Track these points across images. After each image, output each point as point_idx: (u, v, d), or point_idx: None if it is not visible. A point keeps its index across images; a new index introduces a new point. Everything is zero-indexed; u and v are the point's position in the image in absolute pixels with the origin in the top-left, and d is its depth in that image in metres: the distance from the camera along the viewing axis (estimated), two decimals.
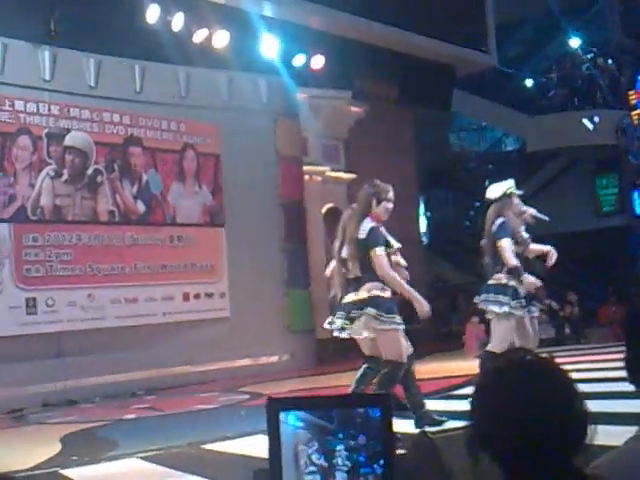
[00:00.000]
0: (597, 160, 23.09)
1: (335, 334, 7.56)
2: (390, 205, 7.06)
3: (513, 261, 7.33)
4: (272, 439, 1.84)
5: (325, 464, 1.80)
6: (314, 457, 1.81)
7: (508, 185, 7.72)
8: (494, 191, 7.74)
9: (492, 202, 7.76)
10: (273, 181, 15.20)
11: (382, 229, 6.98)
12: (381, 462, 1.78)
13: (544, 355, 1.66)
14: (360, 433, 1.79)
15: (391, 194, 7.07)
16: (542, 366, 1.61)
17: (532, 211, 7.86)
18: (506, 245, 7.37)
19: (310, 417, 1.82)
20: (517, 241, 7.50)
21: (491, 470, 1.59)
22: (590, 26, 24.01)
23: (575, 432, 1.54)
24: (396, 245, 7.19)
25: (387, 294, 6.86)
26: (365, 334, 6.96)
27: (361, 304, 6.84)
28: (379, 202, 7.00)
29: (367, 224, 6.87)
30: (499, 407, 1.56)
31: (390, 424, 1.80)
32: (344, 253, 7.27)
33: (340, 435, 1.80)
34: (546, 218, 7.94)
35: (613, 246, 21.10)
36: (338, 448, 1.80)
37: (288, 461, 1.83)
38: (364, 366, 7.33)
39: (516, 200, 7.63)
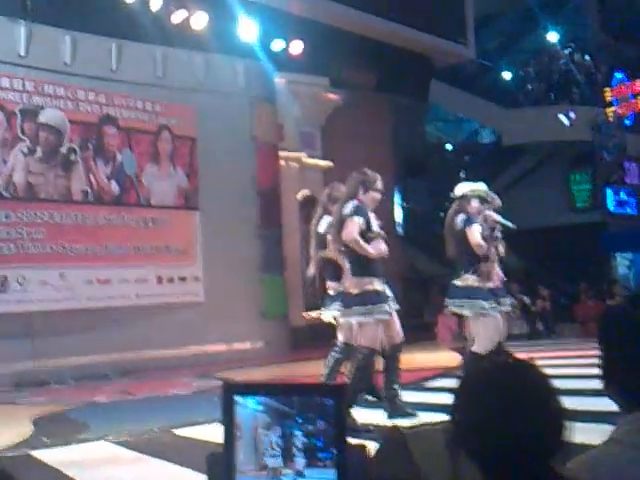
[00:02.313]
0: (571, 156, 23.24)
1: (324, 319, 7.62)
2: (378, 195, 7.01)
3: (480, 241, 7.29)
4: (226, 422, 1.86)
5: (284, 447, 1.81)
6: (273, 440, 1.82)
7: (471, 188, 7.70)
8: (459, 189, 7.73)
9: (454, 200, 7.75)
10: (249, 166, 15.12)
11: (369, 212, 6.93)
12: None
13: (525, 358, 1.68)
14: (319, 418, 1.79)
15: (380, 184, 7.03)
16: (523, 369, 1.64)
17: (496, 217, 7.84)
18: (475, 228, 7.34)
19: (270, 401, 1.84)
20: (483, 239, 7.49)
21: (470, 470, 1.61)
22: (568, 21, 24.12)
23: (553, 434, 1.58)
24: (381, 232, 7.11)
25: (376, 287, 6.85)
26: (353, 322, 6.97)
27: (355, 299, 6.83)
28: (366, 190, 6.96)
29: (353, 203, 6.83)
30: (480, 408, 1.59)
31: (342, 413, 1.81)
32: (320, 228, 7.41)
33: (299, 420, 1.81)
34: (512, 226, 7.92)
35: (586, 242, 21.24)
36: (297, 432, 1.80)
37: (247, 444, 1.84)
38: (334, 352, 7.35)
39: (475, 203, 7.59)
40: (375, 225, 6.98)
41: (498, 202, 8.18)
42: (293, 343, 15.00)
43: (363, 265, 6.83)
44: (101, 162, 13.27)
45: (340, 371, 7.42)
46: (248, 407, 1.84)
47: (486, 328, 7.42)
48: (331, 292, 7.56)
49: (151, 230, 13.74)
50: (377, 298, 6.83)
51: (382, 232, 7.12)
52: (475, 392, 1.63)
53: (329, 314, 7.53)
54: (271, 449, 1.82)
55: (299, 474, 1.80)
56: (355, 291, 6.85)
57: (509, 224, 7.90)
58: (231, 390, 1.88)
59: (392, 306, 6.98)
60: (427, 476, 2.48)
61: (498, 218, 7.83)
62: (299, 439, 1.80)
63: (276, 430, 1.82)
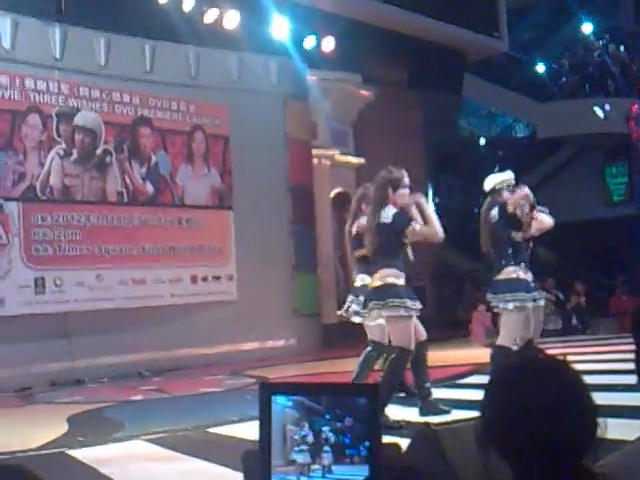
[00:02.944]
0: (607, 148, 22.97)
1: (350, 318, 7.69)
2: (406, 191, 7.08)
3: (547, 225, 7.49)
4: (263, 422, 1.87)
5: (312, 443, 1.83)
6: (302, 436, 1.84)
7: (499, 179, 7.67)
8: (488, 183, 7.72)
9: (488, 194, 7.74)
10: (282, 164, 15.18)
11: (405, 212, 7.00)
12: (366, 444, 1.80)
13: (556, 354, 1.67)
14: (346, 415, 1.81)
15: (406, 180, 7.09)
16: (554, 365, 1.62)
17: (522, 193, 7.79)
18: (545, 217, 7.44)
19: (299, 398, 1.86)
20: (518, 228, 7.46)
21: (501, 467, 1.60)
22: (602, 12, 23.84)
23: (585, 433, 1.55)
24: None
25: (401, 281, 6.89)
26: (379, 321, 7.06)
27: (375, 291, 6.93)
28: (395, 189, 7.02)
29: (390, 210, 6.90)
30: (510, 405, 1.57)
31: (376, 412, 1.84)
32: (354, 229, 7.68)
33: (327, 416, 1.83)
34: (545, 211, 7.88)
35: (623, 236, 21.01)
36: (325, 429, 1.82)
37: (276, 439, 1.87)
38: (367, 350, 7.42)
39: (506, 194, 7.56)
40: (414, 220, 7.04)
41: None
42: (325, 341, 15.05)
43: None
44: (136, 163, 13.42)
45: (371, 369, 7.49)
46: (278, 403, 1.87)
47: (515, 321, 7.39)
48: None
49: (185, 230, 13.87)
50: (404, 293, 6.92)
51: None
52: (505, 388, 1.61)
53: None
54: (299, 445, 1.84)
55: (327, 470, 1.82)
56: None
57: (544, 210, 7.87)
58: (268, 390, 1.90)
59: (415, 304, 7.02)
60: (458, 473, 2.50)
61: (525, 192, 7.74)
62: (327, 435, 1.82)
63: (304, 426, 1.84)
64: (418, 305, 6.95)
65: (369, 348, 7.50)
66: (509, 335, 7.36)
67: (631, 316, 2.05)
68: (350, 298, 8.08)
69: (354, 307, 7.79)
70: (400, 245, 7.02)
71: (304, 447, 1.83)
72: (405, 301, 6.84)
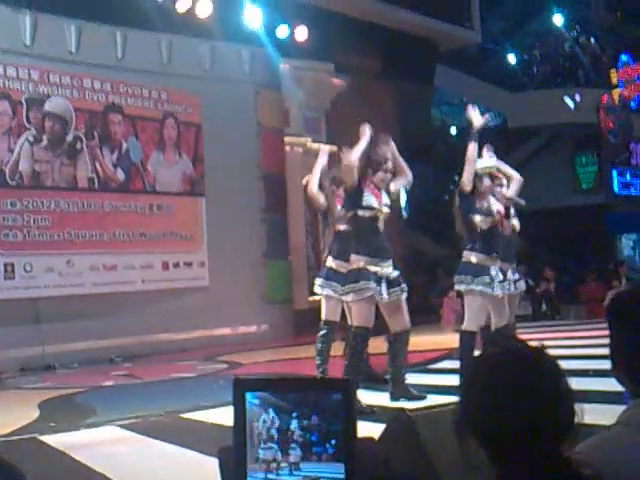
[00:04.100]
0: (577, 138, 23.22)
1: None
2: (387, 176, 7.20)
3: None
4: (237, 419, 1.86)
5: (279, 441, 1.83)
6: (268, 434, 1.84)
7: (481, 165, 7.73)
8: None
9: None
10: (254, 152, 15.18)
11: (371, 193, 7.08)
12: (332, 442, 1.80)
13: (535, 343, 1.68)
14: (313, 413, 1.82)
15: (389, 165, 7.18)
16: (532, 353, 1.64)
17: (507, 193, 7.90)
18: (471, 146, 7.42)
19: (266, 395, 1.85)
20: (484, 214, 7.54)
21: (478, 453, 1.62)
22: (573, 3, 24.02)
23: (563, 420, 1.58)
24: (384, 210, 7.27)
25: (361, 264, 7.04)
26: (349, 298, 7.22)
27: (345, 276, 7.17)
28: (375, 172, 7.09)
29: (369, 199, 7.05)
30: (489, 394, 1.59)
31: (351, 407, 1.83)
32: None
33: (294, 414, 1.83)
34: (521, 201, 7.99)
35: (592, 224, 21.27)
36: (292, 426, 1.82)
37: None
38: (323, 333, 7.66)
39: (487, 181, 7.63)
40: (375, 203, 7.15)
41: (516, 176, 8.20)
42: (296, 326, 15.10)
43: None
44: (107, 150, 13.36)
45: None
46: (246, 401, 1.86)
47: (473, 304, 7.51)
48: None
49: (157, 216, 13.84)
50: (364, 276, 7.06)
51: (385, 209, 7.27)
52: (484, 376, 1.63)
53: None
54: (266, 442, 1.84)
55: (295, 467, 1.82)
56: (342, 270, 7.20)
57: (520, 201, 7.97)
58: (242, 387, 1.88)
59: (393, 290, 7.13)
60: (433, 458, 2.54)
61: (510, 194, 7.89)
62: (294, 433, 1.82)
63: (271, 423, 1.84)
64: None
65: (325, 330, 7.67)
66: (471, 319, 7.48)
67: (601, 303, 2.10)
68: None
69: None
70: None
71: (271, 444, 1.83)
72: (368, 283, 7.01)
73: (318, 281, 7.97)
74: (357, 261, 7.09)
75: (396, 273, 7.23)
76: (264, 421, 1.84)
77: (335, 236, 7.88)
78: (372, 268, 7.07)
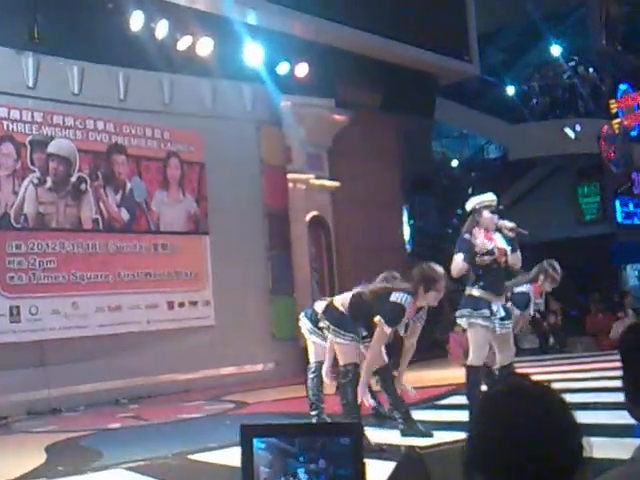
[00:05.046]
0: (578, 168, 23.25)
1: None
2: (439, 295, 7.25)
3: (453, 273, 7.53)
4: (245, 464, 1.86)
5: None
6: (275, 479, 1.83)
7: (479, 200, 7.82)
8: (468, 204, 7.88)
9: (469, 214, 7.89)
10: (257, 189, 15.24)
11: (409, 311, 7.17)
12: None
13: (542, 381, 1.68)
14: (320, 457, 1.81)
15: (442, 284, 7.18)
16: (539, 391, 1.62)
17: (507, 224, 7.91)
18: (456, 259, 7.52)
19: (273, 440, 1.85)
20: (480, 254, 7.55)
21: None
22: (571, 34, 24.19)
23: (571, 456, 1.56)
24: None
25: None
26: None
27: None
28: (427, 290, 7.09)
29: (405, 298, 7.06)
30: (495, 431, 1.57)
31: (360, 451, 1.83)
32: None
33: (301, 458, 1.82)
34: (525, 232, 8.00)
35: (596, 254, 21.22)
36: (299, 471, 1.82)
37: None
38: (314, 374, 7.90)
39: (487, 214, 7.68)
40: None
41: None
42: (304, 364, 15.00)
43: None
44: (111, 190, 13.40)
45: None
46: (252, 447, 1.86)
47: (474, 338, 7.55)
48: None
49: (161, 256, 13.85)
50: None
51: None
52: (491, 415, 1.61)
53: None
54: None
55: None
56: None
57: (523, 231, 7.99)
58: (249, 432, 1.87)
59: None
60: None
61: (511, 225, 7.91)
62: (301, 478, 1.82)
63: (278, 468, 1.83)
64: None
65: (315, 370, 7.92)
66: (475, 353, 7.51)
67: (619, 336, 2.08)
68: None
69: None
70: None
71: None
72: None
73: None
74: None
75: None
76: (271, 466, 1.83)
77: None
78: None
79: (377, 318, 7.08)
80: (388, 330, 7.08)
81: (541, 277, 8.15)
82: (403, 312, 7.09)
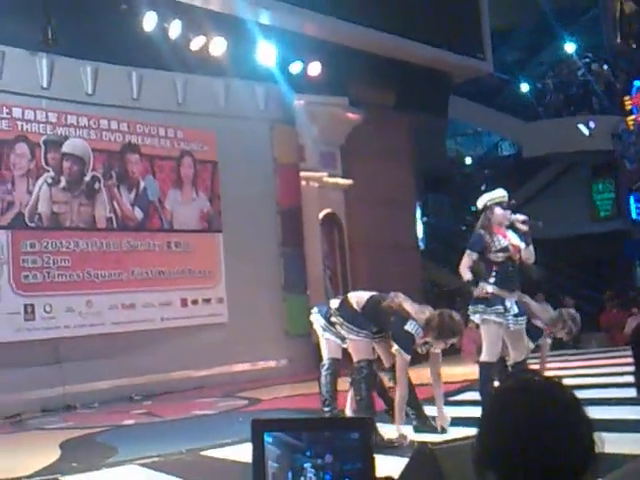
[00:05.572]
0: (593, 165, 23.18)
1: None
2: (443, 346, 7.19)
3: (461, 271, 7.66)
4: (256, 458, 1.86)
5: None
6: (283, 473, 1.84)
7: (490, 197, 7.83)
8: (479, 202, 7.89)
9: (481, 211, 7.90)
10: (270, 187, 15.26)
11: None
12: None
13: (552, 377, 1.69)
14: (327, 452, 1.82)
15: (452, 341, 7.11)
16: (549, 387, 1.63)
17: (520, 217, 7.90)
18: (464, 257, 7.61)
19: (281, 434, 1.85)
20: (494, 250, 7.56)
21: None
22: (585, 31, 24.11)
23: (582, 452, 1.56)
24: None
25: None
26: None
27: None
28: (438, 339, 7.04)
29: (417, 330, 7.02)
30: (506, 427, 1.58)
31: (370, 446, 1.84)
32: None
33: (308, 453, 1.83)
34: (538, 223, 7.99)
35: (610, 250, 21.17)
36: (306, 465, 1.82)
37: None
38: (328, 371, 7.79)
39: (498, 210, 7.68)
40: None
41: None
42: (316, 360, 15.04)
43: None
44: (124, 189, 13.47)
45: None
46: (263, 441, 1.87)
47: (487, 335, 7.57)
48: None
49: (175, 254, 13.91)
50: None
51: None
52: (501, 410, 1.62)
53: None
54: None
55: None
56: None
57: (536, 223, 7.98)
58: (260, 427, 1.88)
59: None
60: None
61: (523, 217, 7.90)
62: (308, 472, 1.82)
63: (285, 463, 1.84)
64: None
65: (329, 367, 7.81)
66: (488, 350, 7.51)
67: (631, 331, 2.09)
68: None
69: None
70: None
71: None
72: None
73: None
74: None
75: None
76: (279, 461, 1.84)
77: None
78: None
79: (395, 348, 7.05)
80: (408, 357, 7.02)
81: (559, 326, 7.99)
82: (413, 342, 7.07)
